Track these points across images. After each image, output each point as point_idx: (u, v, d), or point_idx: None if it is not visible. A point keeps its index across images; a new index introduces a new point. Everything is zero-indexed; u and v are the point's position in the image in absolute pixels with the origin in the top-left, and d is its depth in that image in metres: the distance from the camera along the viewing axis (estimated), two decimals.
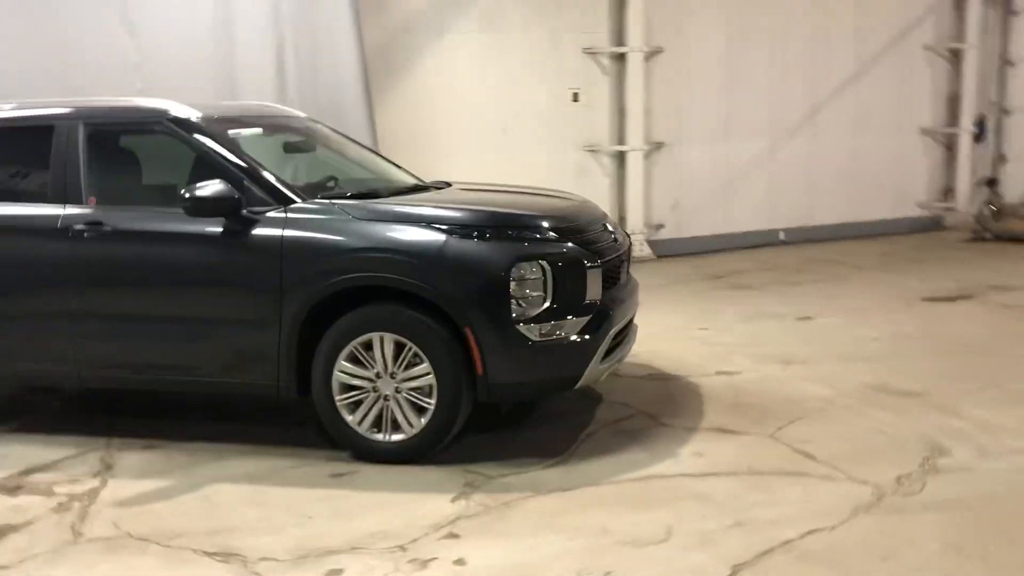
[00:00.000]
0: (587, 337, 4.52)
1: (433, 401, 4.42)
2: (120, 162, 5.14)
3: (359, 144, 6.21)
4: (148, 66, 8.12)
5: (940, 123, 11.92)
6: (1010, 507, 3.84)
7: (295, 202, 4.62)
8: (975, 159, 12.04)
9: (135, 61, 8.10)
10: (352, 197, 4.86)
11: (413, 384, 4.45)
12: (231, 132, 4.92)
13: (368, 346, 4.48)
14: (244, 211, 4.57)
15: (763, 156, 11.18)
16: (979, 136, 11.89)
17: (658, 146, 10.64)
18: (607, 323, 4.62)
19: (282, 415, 5.28)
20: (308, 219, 4.55)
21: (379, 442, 4.52)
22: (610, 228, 5.11)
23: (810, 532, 3.66)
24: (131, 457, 4.81)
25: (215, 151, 4.74)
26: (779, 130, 11.18)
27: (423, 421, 4.46)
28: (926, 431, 4.73)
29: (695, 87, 10.73)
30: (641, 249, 10.56)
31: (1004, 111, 12.25)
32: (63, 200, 4.89)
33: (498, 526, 3.84)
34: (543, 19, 10.04)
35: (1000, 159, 12.33)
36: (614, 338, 4.78)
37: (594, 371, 4.60)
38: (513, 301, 4.34)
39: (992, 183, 11.72)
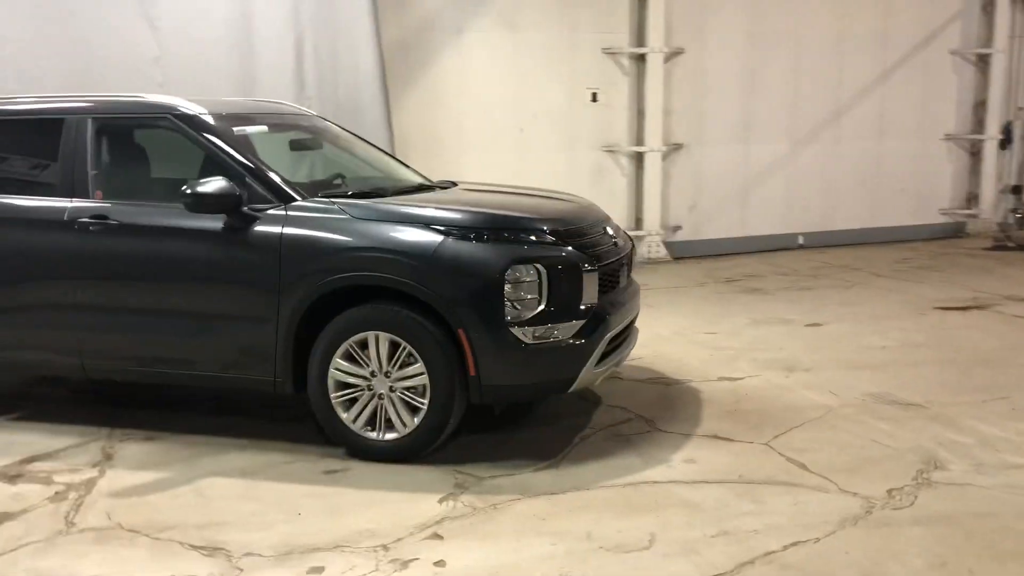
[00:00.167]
0: (582, 341, 4.53)
1: (426, 401, 4.45)
2: (127, 157, 5.21)
3: (368, 143, 6.23)
4: (168, 61, 8.20)
5: (965, 129, 11.77)
6: (1000, 524, 3.80)
7: (295, 200, 4.65)
8: (1000, 166, 11.89)
9: (155, 55, 8.18)
10: (354, 196, 4.89)
11: (407, 383, 4.47)
12: (236, 129, 4.96)
13: (364, 345, 4.51)
14: (245, 208, 4.61)
15: (783, 159, 11.11)
16: (1005, 143, 11.72)
17: (677, 147, 10.60)
18: (603, 327, 4.62)
19: (281, 410, 5.32)
20: (307, 217, 4.59)
21: (372, 440, 4.55)
22: (611, 231, 5.11)
23: (794, 544, 3.65)
24: (132, 448, 4.88)
25: (218, 148, 4.79)
26: (799, 133, 11.11)
27: (416, 421, 4.48)
28: (924, 444, 4.68)
29: (715, 88, 10.68)
30: (658, 250, 10.55)
31: None
32: (71, 193, 4.97)
33: (483, 528, 3.85)
34: (562, 18, 10.04)
35: None
36: (612, 341, 4.78)
37: (589, 374, 4.60)
38: (507, 303, 4.35)
39: (1017, 191, 11.59)
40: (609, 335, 4.68)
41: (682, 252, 10.75)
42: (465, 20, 9.70)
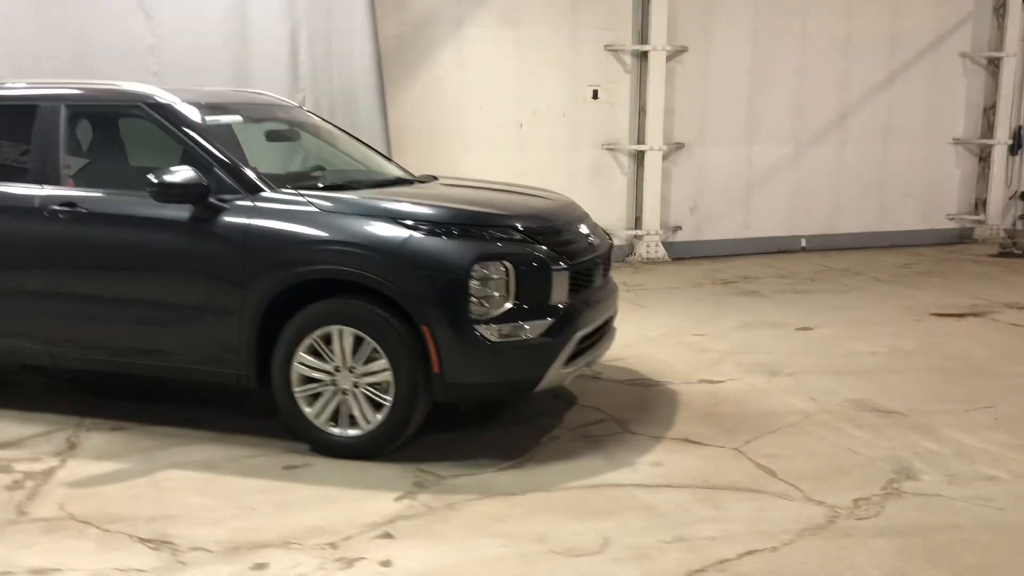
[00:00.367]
0: (550, 340, 4.45)
1: (390, 398, 4.38)
2: (100, 145, 5.18)
3: (351, 135, 6.16)
4: (162, 50, 8.18)
5: (974, 133, 11.59)
6: (965, 537, 3.69)
7: (263, 191, 4.60)
8: (1010, 172, 11.69)
9: (150, 44, 8.17)
10: (326, 188, 4.83)
11: (371, 379, 4.41)
12: (209, 119, 4.91)
13: (328, 339, 4.44)
14: (211, 198, 4.56)
15: (787, 161, 10.97)
16: (1015, 148, 11.54)
17: (679, 147, 10.49)
18: (573, 326, 4.54)
19: (252, 404, 5.26)
20: (274, 209, 4.53)
21: (334, 436, 4.49)
22: (586, 230, 5.02)
23: (749, 552, 3.55)
24: (97, 438, 4.84)
25: (187, 137, 4.74)
26: (804, 135, 10.96)
27: (379, 417, 4.42)
28: (899, 453, 4.58)
29: (719, 88, 10.56)
30: (656, 251, 10.45)
31: None
32: (42, 180, 4.93)
33: (436, 528, 3.78)
34: (564, 14, 9.93)
35: None
36: (584, 341, 4.70)
37: (557, 374, 4.53)
38: (473, 300, 4.28)
39: None
40: (579, 335, 4.60)
41: (682, 253, 10.63)
42: (465, 15, 9.62)
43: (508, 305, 4.36)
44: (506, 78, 9.87)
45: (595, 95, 10.20)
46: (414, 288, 4.29)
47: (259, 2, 8.38)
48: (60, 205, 4.83)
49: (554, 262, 4.49)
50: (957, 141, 11.58)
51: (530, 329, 4.40)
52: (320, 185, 4.91)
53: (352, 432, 4.47)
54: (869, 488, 4.15)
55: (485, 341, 4.30)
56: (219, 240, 4.54)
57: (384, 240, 4.34)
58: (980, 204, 11.75)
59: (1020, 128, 11.53)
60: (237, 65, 8.38)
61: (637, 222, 10.50)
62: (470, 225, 4.44)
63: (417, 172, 8.96)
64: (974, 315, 7.60)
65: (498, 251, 4.38)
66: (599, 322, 4.93)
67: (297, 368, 4.49)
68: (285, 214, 4.50)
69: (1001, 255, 10.70)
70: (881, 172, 11.33)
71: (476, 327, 4.29)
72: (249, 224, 4.50)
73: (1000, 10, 11.31)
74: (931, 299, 8.20)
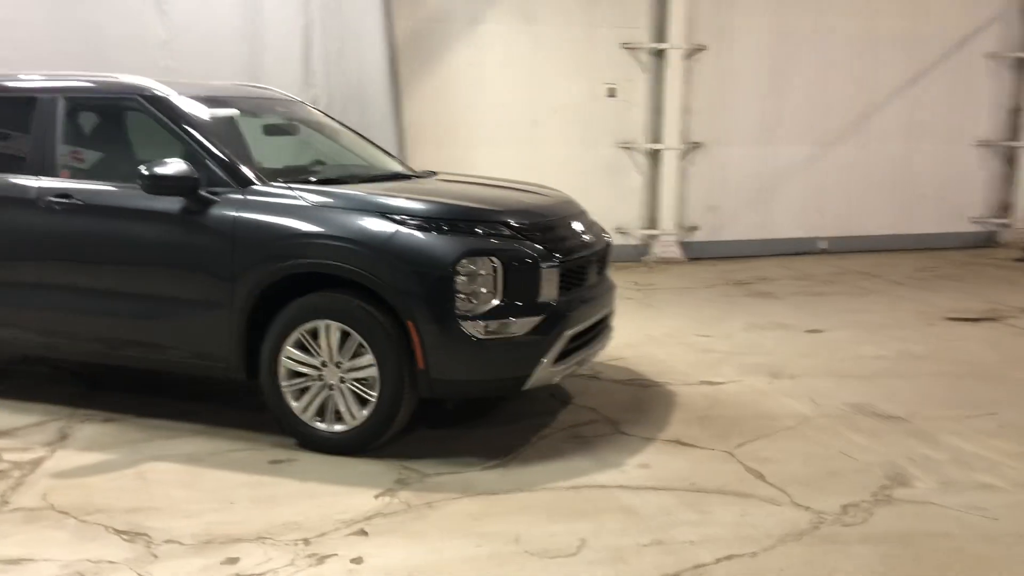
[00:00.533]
0: (538, 337, 4.40)
1: (375, 393, 4.35)
2: (97, 137, 5.19)
3: (353, 131, 6.13)
4: (176, 45, 8.21)
5: (1000, 135, 11.36)
6: (953, 547, 3.59)
7: (254, 184, 4.58)
8: None
9: (163, 39, 8.20)
10: (319, 183, 4.81)
11: (358, 375, 4.38)
12: (204, 112, 4.90)
13: (315, 334, 4.42)
14: (202, 191, 4.55)
15: (807, 161, 10.82)
16: None
17: (696, 146, 10.38)
18: (562, 324, 4.49)
19: (246, 398, 5.25)
20: (263, 202, 4.51)
21: (320, 431, 4.47)
22: (581, 227, 4.95)
23: (727, 557, 3.48)
24: (89, 429, 4.86)
25: (179, 129, 4.74)
26: (825, 135, 10.81)
27: (365, 413, 4.39)
28: (895, 458, 4.47)
29: (738, 87, 10.44)
30: (672, 251, 10.35)
31: None
32: (39, 171, 4.96)
33: (412, 526, 3.74)
34: (580, 12, 9.86)
35: None
36: (575, 340, 4.64)
37: (545, 372, 4.47)
38: (459, 296, 4.23)
39: None
40: (569, 333, 4.54)
41: (699, 253, 10.52)
42: (480, 11, 9.59)
43: (495, 302, 4.31)
44: (521, 75, 9.82)
45: (611, 93, 10.12)
46: (399, 283, 4.25)
47: None
48: (56, 197, 4.85)
49: (543, 259, 4.44)
50: (982, 143, 11.35)
51: (518, 326, 4.35)
52: (312, 179, 4.87)
53: (338, 427, 4.45)
54: (859, 494, 4.05)
55: (471, 337, 4.25)
56: (209, 233, 4.53)
57: (370, 234, 4.30)
58: (1005, 207, 11.51)
59: None
60: (249, 60, 8.40)
61: (653, 222, 10.41)
62: (459, 220, 4.40)
63: (430, 168, 8.95)
64: (990, 320, 7.43)
65: (486, 247, 4.33)
66: (592, 321, 4.86)
67: (285, 362, 4.47)
68: (273, 207, 4.48)
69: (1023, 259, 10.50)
70: (903, 173, 11.14)
71: (462, 323, 4.24)
72: (238, 217, 4.49)
73: None
74: (947, 303, 8.03)
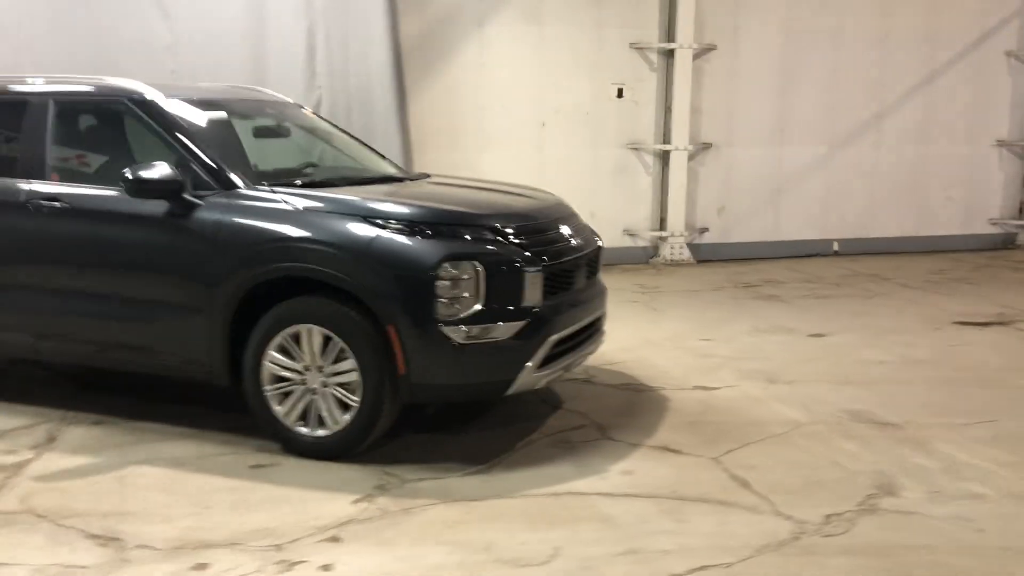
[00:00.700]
0: (522, 342, 4.35)
1: (357, 398, 4.32)
2: (86, 140, 5.20)
3: (347, 133, 6.13)
4: (180, 48, 8.25)
5: (1019, 135, 11.15)
6: (934, 559, 3.50)
7: (237, 188, 4.57)
8: None
9: (167, 42, 8.24)
10: (306, 185, 4.79)
11: (340, 379, 4.35)
12: (190, 115, 4.90)
13: (298, 338, 4.40)
14: (186, 194, 4.55)
15: (819, 162, 10.68)
16: None
17: (706, 147, 10.28)
18: (547, 329, 4.44)
19: (238, 401, 5.23)
20: (246, 205, 4.50)
21: (303, 436, 4.45)
22: (569, 230, 4.90)
23: (701, 568, 3.42)
24: (77, 432, 4.87)
25: (166, 132, 4.75)
26: (838, 135, 10.67)
27: (347, 418, 4.36)
28: (885, 467, 4.38)
29: (749, 87, 10.32)
30: (680, 252, 10.26)
31: None
32: (29, 174, 4.98)
33: (385, 533, 3.71)
34: (588, 12, 9.79)
35: None
36: (561, 344, 4.59)
37: (529, 378, 4.42)
38: (440, 301, 4.20)
39: None
40: (554, 338, 4.49)
41: (709, 255, 10.42)
42: (487, 12, 9.54)
43: (478, 306, 4.27)
44: (528, 76, 9.77)
45: (619, 94, 10.04)
46: (380, 287, 4.22)
47: (276, 1, 8.40)
48: (44, 200, 4.86)
49: (527, 263, 4.40)
50: (1001, 143, 11.16)
51: (500, 331, 4.30)
52: (298, 182, 4.85)
53: (320, 432, 4.43)
54: (844, 503, 3.97)
55: (452, 342, 4.22)
56: (193, 237, 4.53)
57: (350, 238, 4.28)
58: None
59: None
60: (254, 63, 8.42)
61: (662, 223, 10.33)
62: (441, 224, 4.36)
63: (436, 170, 8.92)
64: (999, 324, 7.30)
65: (468, 251, 4.29)
66: (580, 325, 4.81)
67: (267, 367, 4.46)
68: (256, 211, 4.47)
69: None
70: (919, 174, 10.98)
71: (443, 328, 4.20)
72: (221, 221, 4.48)
73: None
74: (957, 307, 7.90)
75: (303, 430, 4.45)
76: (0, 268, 4.99)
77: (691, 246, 10.37)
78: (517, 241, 4.46)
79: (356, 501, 3.99)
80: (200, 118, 4.96)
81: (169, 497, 4.06)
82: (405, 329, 4.20)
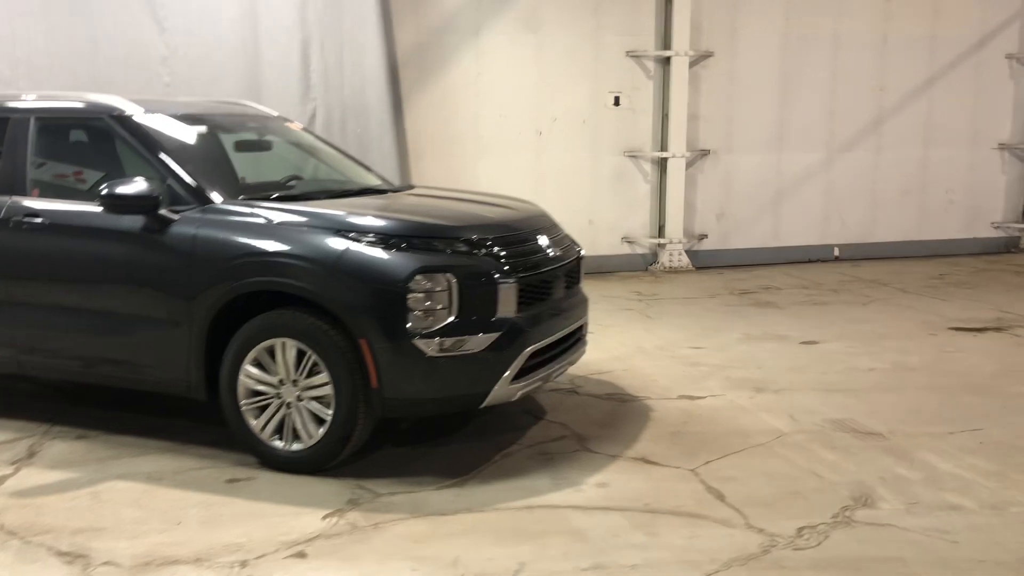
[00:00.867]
0: (496, 354, 4.33)
1: (331, 412, 4.31)
2: (66, 155, 5.22)
3: (332, 146, 6.14)
4: (175, 61, 8.30)
5: (1021, 137, 11.06)
6: (905, 572, 3.45)
7: (213, 202, 4.58)
8: None
9: (163, 55, 8.28)
10: (279, 199, 4.79)
11: (314, 393, 4.34)
12: (169, 130, 4.92)
13: (273, 352, 4.40)
14: (162, 210, 4.56)
15: (819, 167, 10.64)
16: None
17: (704, 153, 10.24)
18: (522, 340, 4.42)
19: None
20: (221, 220, 4.51)
21: (278, 450, 4.44)
22: (546, 241, 4.87)
23: None
24: (58, 446, 4.88)
25: (142, 147, 4.76)
26: (838, 140, 10.62)
27: (321, 432, 4.35)
28: (865, 477, 4.33)
29: (747, 93, 10.29)
30: (679, 259, 10.22)
31: None
32: (10, 191, 5.00)
33: (352, 549, 3.69)
34: (585, 20, 9.79)
35: None
36: (537, 356, 4.57)
37: (504, 390, 4.40)
38: (412, 313, 4.18)
39: None
40: (529, 349, 4.47)
41: (709, 262, 10.38)
42: (484, 21, 9.55)
43: (451, 318, 4.25)
44: (525, 85, 9.77)
45: (616, 101, 10.03)
46: (351, 300, 4.21)
47: (270, 13, 8.45)
48: (24, 216, 4.89)
49: (501, 274, 4.38)
50: (1003, 146, 11.08)
51: (474, 343, 4.29)
52: (274, 195, 4.86)
53: (296, 446, 4.42)
54: (819, 515, 3.93)
55: (424, 355, 4.20)
56: (169, 251, 4.54)
57: (322, 252, 4.27)
58: None
59: None
60: (249, 75, 8.46)
61: (660, 230, 10.30)
62: (413, 236, 4.35)
63: (434, 179, 8.92)
64: (995, 330, 7.22)
65: (440, 263, 4.28)
66: (558, 335, 4.78)
67: (243, 381, 4.45)
68: (231, 225, 4.48)
69: None
70: (920, 178, 10.92)
71: (415, 340, 4.19)
72: (197, 235, 4.49)
73: None
74: (954, 312, 7.82)
75: (278, 444, 4.44)
76: None
77: (690, 253, 10.33)
78: (491, 252, 4.45)
79: (326, 516, 3.98)
80: (179, 133, 4.99)
81: (141, 512, 4.06)
82: (376, 342, 4.19)
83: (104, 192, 4.48)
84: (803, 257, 10.60)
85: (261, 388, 4.44)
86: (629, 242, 10.26)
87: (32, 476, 4.48)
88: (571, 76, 9.86)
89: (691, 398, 5.56)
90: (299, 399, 4.38)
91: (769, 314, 7.92)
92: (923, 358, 6.41)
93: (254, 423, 4.48)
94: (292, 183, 5.57)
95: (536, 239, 4.82)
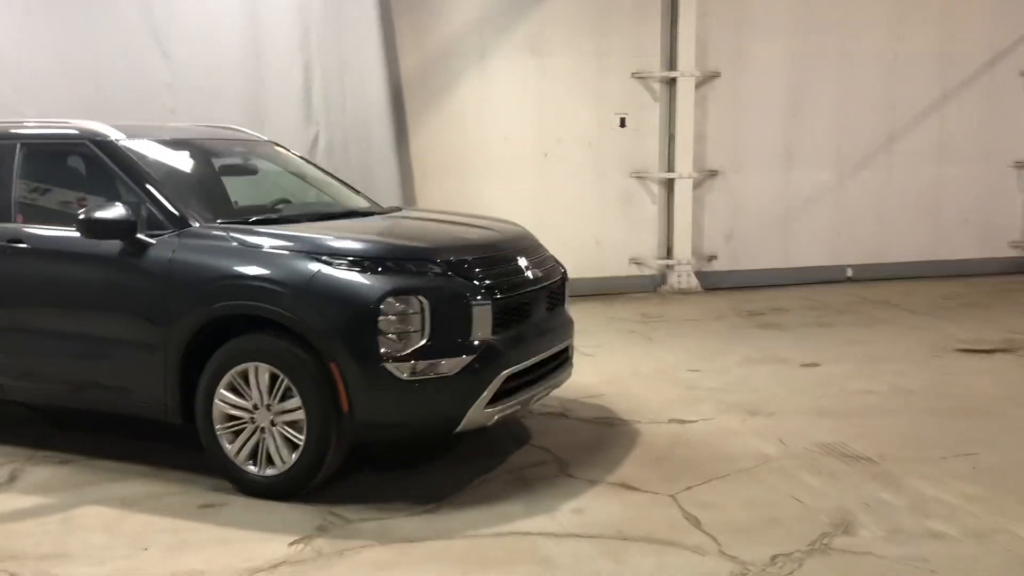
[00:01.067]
0: (470, 377, 4.27)
1: (303, 437, 4.27)
2: (50, 181, 5.25)
3: (321, 169, 6.16)
4: (179, 87, 8.37)
5: None
6: None
7: (189, 226, 4.58)
8: None
9: (167, 82, 8.36)
10: (255, 223, 4.78)
11: (287, 418, 4.31)
12: (150, 155, 4.94)
13: (247, 376, 4.37)
14: (140, 234, 4.56)
15: (830, 186, 10.51)
16: None
17: (712, 174, 10.16)
18: (497, 364, 4.36)
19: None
20: (196, 244, 4.51)
21: (252, 475, 4.41)
22: (526, 262, 4.81)
23: None
24: (39, 471, 4.87)
25: (121, 172, 4.79)
26: (849, 159, 10.49)
27: (294, 457, 4.31)
28: (848, 504, 4.21)
29: (754, 113, 10.20)
30: (688, 281, 10.11)
31: None
32: None
33: None
34: (590, 42, 9.76)
35: None
36: (514, 379, 4.50)
37: (478, 414, 4.34)
38: (383, 336, 4.14)
39: None
40: (506, 372, 4.41)
41: (718, 283, 10.27)
42: (488, 45, 9.55)
43: (423, 341, 4.21)
44: (530, 107, 9.75)
45: (623, 123, 9.98)
46: (321, 324, 4.18)
47: (272, 38, 8.50)
48: (7, 241, 4.92)
49: (475, 295, 4.33)
50: (1019, 164, 10.88)
51: (447, 366, 4.23)
52: (251, 219, 4.85)
53: (269, 471, 4.38)
54: (795, 543, 3.82)
55: (396, 378, 4.16)
56: (146, 276, 4.54)
57: (293, 275, 4.25)
58: None
59: None
60: (251, 100, 8.51)
61: (669, 251, 10.20)
62: (386, 259, 4.32)
63: (438, 202, 8.88)
64: (1003, 351, 7.05)
65: (411, 285, 4.24)
66: (539, 358, 4.72)
67: (218, 405, 4.43)
68: (205, 249, 4.47)
69: None
70: (934, 197, 10.74)
71: (386, 364, 4.15)
72: (172, 259, 4.49)
73: None
74: (962, 333, 7.66)
75: (253, 469, 4.41)
76: None
77: (699, 274, 10.23)
78: (467, 274, 4.40)
79: (293, 543, 3.93)
80: (161, 157, 5.01)
81: (109, 538, 4.04)
82: (347, 366, 4.15)
83: (82, 217, 4.50)
84: (815, 278, 10.45)
85: (236, 413, 4.42)
86: (637, 263, 10.17)
87: (9, 501, 4.48)
88: (577, 98, 9.83)
89: (682, 422, 5.46)
90: (272, 424, 4.35)
91: (773, 336, 7.79)
92: (923, 381, 6.26)
93: (228, 448, 4.45)
94: (280, 206, 5.58)
95: (516, 260, 4.77)
